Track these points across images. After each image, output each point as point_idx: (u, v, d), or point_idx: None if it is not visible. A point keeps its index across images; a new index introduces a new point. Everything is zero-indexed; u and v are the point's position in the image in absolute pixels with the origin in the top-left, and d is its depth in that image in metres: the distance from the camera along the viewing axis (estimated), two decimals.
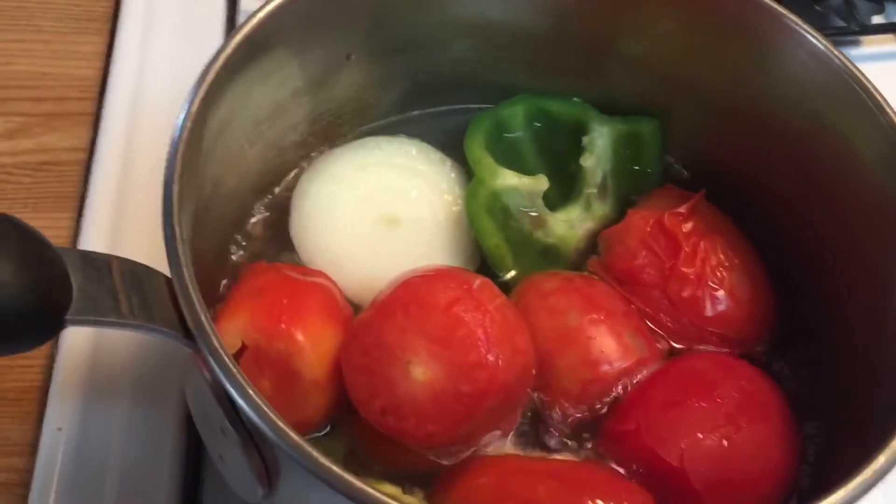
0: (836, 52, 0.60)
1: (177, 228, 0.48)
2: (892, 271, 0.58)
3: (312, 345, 0.56)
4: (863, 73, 0.60)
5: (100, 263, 0.47)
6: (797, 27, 0.61)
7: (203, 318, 0.46)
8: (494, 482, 0.55)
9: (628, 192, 0.70)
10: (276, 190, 0.69)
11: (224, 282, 0.63)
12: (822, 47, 0.61)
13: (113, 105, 0.80)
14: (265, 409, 0.44)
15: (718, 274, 0.64)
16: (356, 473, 0.43)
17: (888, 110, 0.58)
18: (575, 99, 0.71)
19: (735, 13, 0.63)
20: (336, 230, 0.66)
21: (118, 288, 0.46)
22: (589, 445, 0.60)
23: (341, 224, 0.66)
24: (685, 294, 0.63)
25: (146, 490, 0.63)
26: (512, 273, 0.66)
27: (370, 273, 0.64)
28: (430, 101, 0.73)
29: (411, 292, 0.56)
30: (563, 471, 0.57)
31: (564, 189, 0.70)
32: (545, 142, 0.71)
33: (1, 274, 0.41)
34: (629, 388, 0.60)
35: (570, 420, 0.60)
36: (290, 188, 0.68)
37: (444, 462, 0.56)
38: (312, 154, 0.70)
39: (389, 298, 0.57)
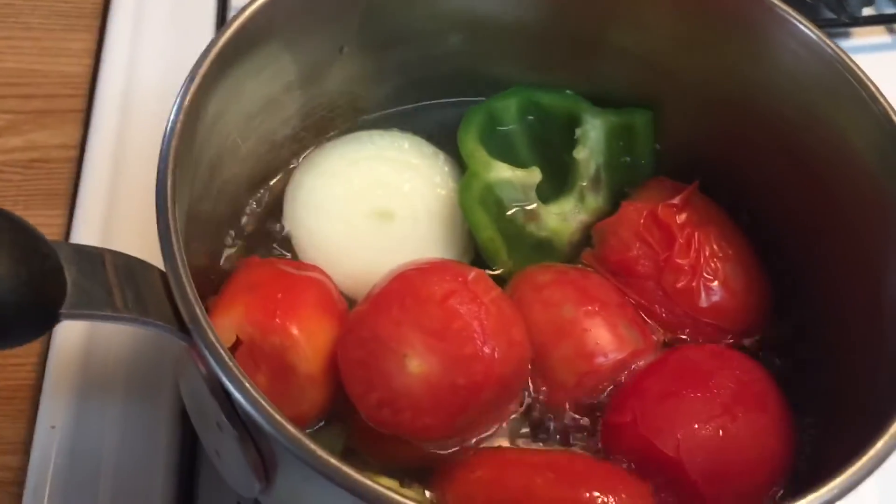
0: (829, 42, 0.60)
1: (171, 222, 0.47)
2: (886, 260, 0.58)
3: (307, 339, 0.56)
4: (855, 63, 0.60)
5: (94, 257, 0.47)
6: (789, 17, 0.61)
7: (198, 311, 0.45)
8: (492, 475, 0.55)
9: (621, 184, 0.70)
10: (270, 184, 0.68)
11: (217, 276, 0.63)
12: (814, 37, 0.61)
13: (103, 102, 0.80)
14: (262, 402, 0.44)
15: (712, 265, 0.64)
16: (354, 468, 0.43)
17: (881, 100, 0.58)
18: (567, 91, 0.71)
19: (727, 3, 0.63)
20: (329, 224, 0.66)
21: (112, 282, 0.46)
22: (585, 437, 0.60)
23: (335, 218, 0.66)
24: (679, 285, 0.63)
25: (141, 487, 0.63)
26: (506, 266, 0.66)
27: (364, 267, 0.64)
28: (422, 94, 0.73)
29: (406, 285, 0.56)
30: (560, 462, 0.57)
31: (558, 182, 0.70)
32: (538, 134, 0.71)
33: None
34: (625, 379, 0.60)
35: (565, 412, 0.60)
36: (284, 182, 0.68)
37: (442, 454, 0.56)
38: (305, 149, 0.70)
39: (384, 292, 0.56)
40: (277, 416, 0.43)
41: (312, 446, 0.43)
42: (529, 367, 0.59)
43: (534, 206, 0.67)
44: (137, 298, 0.47)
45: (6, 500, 0.63)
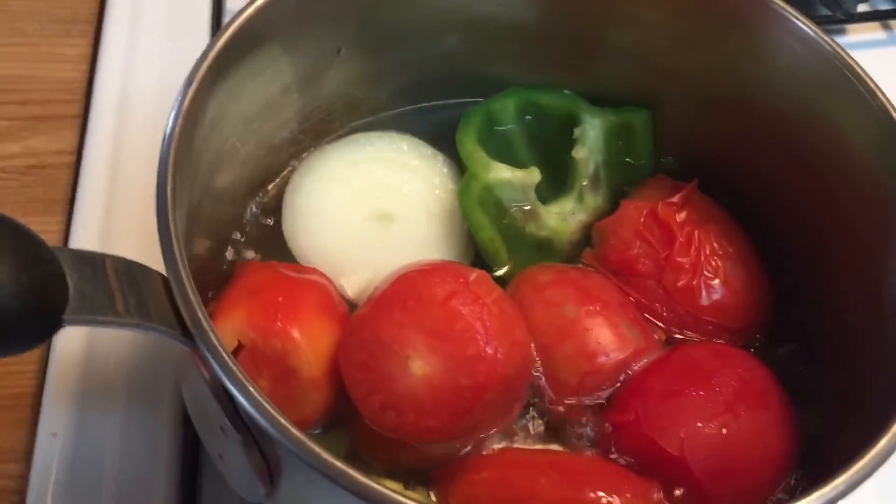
0: (826, 39, 0.60)
1: (171, 226, 0.47)
2: (886, 256, 0.58)
3: (309, 342, 0.56)
4: (853, 59, 0.60)
5: (95, 262, 0.47)
6: (787, 14, 0.61)
7: (201, 315, 0.45)
8: (496, 476, 0.55)
9: (621, 183, 0.70)
10: (269, 187, 0.68)
11: (218, 280, 0.62)
12: (811, 33, 0.61)
13: (100, 107, 0.80)
14: (266, 405, 0.43)
15: (713, 263, 0.64)
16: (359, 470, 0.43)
17: (880, 95, 0.58)
18: (566, 91, 0.71)
19: (725, 1, 0.63)
20: (329, 227, 0.66)
21: (114, 287, 0.46)
22: (588, 436, 0.60)
23: (334, 221, 0.66)
24: (680, 283, 0.63)
25: (144, 493, 0.62)
26: (506, 267, 0.66)
27: (364, 269, 0.64)
28: (420, 96, 0.73)
29: (408, 287, 0.56)
30: (564, 463, 0.57)
31: (557, 182, 0.70)
32: (537, 134, 0.71)
33: None
34: (627, 378, 0.60)
35: (569, 412, 0.60)
36: (283, 185, 0.68)
37: (445, 456, 0.56)
38: (304, 151, 0.70)
39: (386, 294, 0.56)
40: (282, 420, 0.43)
41: (317, 449, 0.43)
42: (532, 367, 0.59)
43: (533, 206, 0.67)
44: (139, 303, 0.47)
45: None
